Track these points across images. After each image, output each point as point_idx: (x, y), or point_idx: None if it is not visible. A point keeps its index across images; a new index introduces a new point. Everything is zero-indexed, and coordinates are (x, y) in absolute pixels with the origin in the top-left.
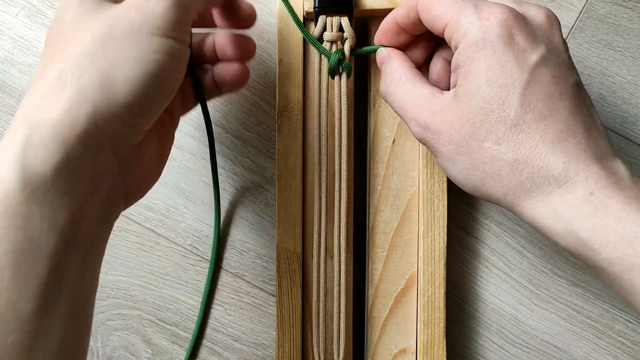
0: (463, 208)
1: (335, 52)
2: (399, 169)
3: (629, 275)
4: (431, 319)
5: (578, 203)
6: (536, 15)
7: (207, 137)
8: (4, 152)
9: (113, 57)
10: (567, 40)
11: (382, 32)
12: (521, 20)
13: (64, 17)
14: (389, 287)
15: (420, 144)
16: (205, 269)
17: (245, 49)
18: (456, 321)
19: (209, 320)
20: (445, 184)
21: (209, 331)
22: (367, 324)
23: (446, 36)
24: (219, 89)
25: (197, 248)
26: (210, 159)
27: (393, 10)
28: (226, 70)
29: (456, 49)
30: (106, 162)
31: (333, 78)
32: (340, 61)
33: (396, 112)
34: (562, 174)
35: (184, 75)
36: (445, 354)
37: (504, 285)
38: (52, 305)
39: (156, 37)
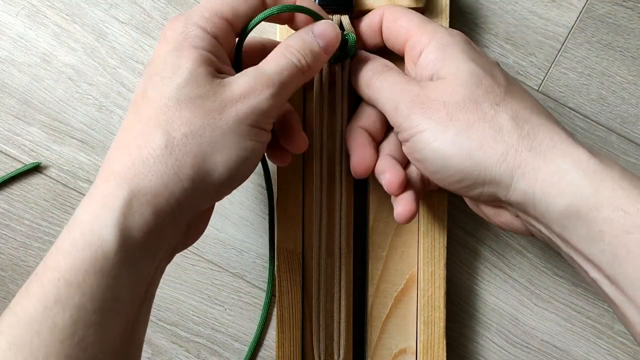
0: (463, 208)
1: (346, 33)
2: None
3: (627, 239)
4: (431, 319)
5: (585, 160)
6: None
7: None
8: (108, 212)
9: (216, 143)
10: (567, 40)
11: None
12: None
13: (174, 81)
14: (389, 287)
15: None
16: (205, 269)
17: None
18: (456, 321)
19: (209, 320)
20: None
21: (209, 331)
22: (367, 324)
23: (409, 46)
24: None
25: (197, 248)
26: (267, 191)
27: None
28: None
29: (421, 52)
30: (181, 227)
31: (334, 63)
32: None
33: (376, 97)
34: (563, 133)
35: None
36: (445, 354)
37: (504, 285)
38: (127, 354)
39: (253, 128)
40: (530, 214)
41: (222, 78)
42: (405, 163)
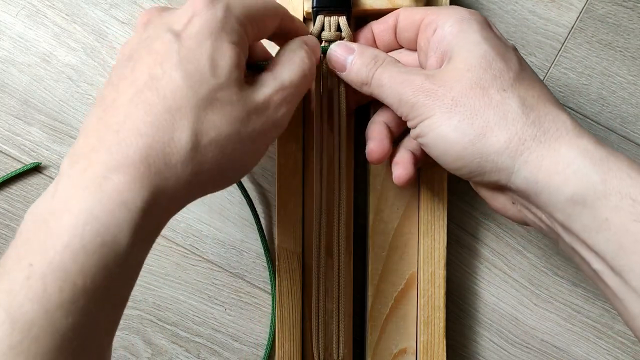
0: (463, 208)
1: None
2: None
3: (634, 228)
4: (431, 319)
5: (591, 148)
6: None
7: None
8: (125, 212)
9: (237, 159)
10: (567, 40)
11: (358, 42)
12: None
13: (212, 79)
14: (389, 287)
15: None
16: (205, 269)
17: None
18: (456, 321)
19: (209, 320)
20: (445, 184)
21: (209, 331)
22: (367, 324)
23: (423, 25)
24: None
25: (197, 248)
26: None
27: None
28: None
29: (434, 32)
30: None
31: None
32: None
33: (379, 92)
34: (569, 122)
35: None
36: (445, 354)
37: (504, 285)
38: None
39: (269, 140)
40: (532, 202)
41: (249, 84)
42: (423, 158)
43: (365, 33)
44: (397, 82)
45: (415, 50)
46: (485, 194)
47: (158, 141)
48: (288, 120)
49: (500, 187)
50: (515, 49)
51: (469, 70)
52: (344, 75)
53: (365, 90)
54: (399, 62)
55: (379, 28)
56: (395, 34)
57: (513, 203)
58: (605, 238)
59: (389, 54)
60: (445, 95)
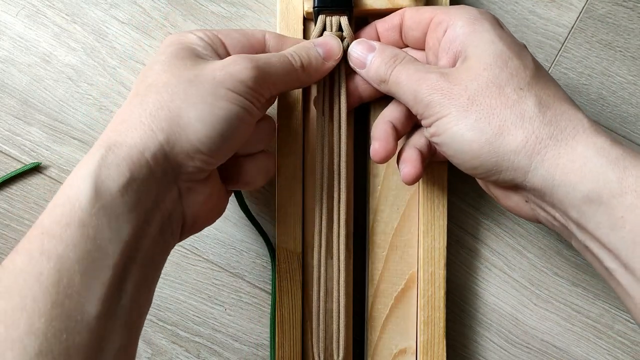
0: (463, 208)
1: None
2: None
3: None
4: (431, 319)
5: (607, 147)
6: None
7: None
8: (84, 167)
9: (191, 99)
10: (567, 40)
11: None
12: None
13: (157, 62)
14: (389, 287)
15: None
16: (205, 269)
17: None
18: (456, 321)
19: (209, 320)
20: (445, 184)
21: (209, 331)
22: (367, 324)
23: (432, 25)
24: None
25: (197, 248)
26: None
27: (374, 23)
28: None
29: (445, 32)
30: (168, 187)
31: None
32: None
33: (396, 90)
34: (585, 120)
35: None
36: (445, 354)
37: (504, 285)
38: (113, 312)
39: (232, 92)
40: (546, 200)
41: (207, 59)
42: (429, 156)
43: (369, 32)
44: (413, 80)
45: (422, 49)
46: (498, 193)
47: (118, 115)
48: (257, 83)
49: (515, 186)
50: (526, 48)
51: (485, 69)
52: (363, 73)
53: (383, 88)
54: (417, 60)
55: (383, 27)
56: (401, 33)
57: (526, 201)
58: (619, 236)
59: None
60: (461, 94)
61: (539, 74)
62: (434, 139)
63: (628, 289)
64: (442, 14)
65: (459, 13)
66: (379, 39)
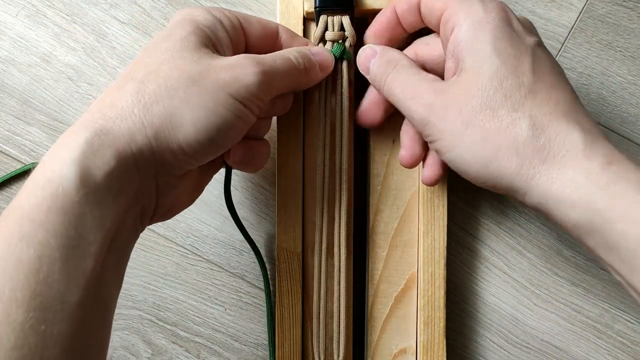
0: (463, 208)
1: (338, 44)
2: (399, 169)
3: None
4: (431, 319)
5: (598, 171)
6: (520, 17)
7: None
8: (67, 150)
9: (191, 100)
10: (567, 40)
11: (379, 23)
12: (513, 13)
13: (163, 44)
14: (389, 287)
15: None
16: (205, 269)
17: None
18: (456, 321)
19: (209, 320)
20: (445, 184)
21: (209, 331)
22: (367, 324)
23: (443, 20)
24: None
25: (197, 248)
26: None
27: (393, 2)
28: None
29: (452, 32)
30: (148, 181)
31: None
32: (342, 53)
33: (393, 101)
34: (579, 142)
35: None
36: (445, 354)
37: (504, 285)
38: (93, 300)
39: (233, 99)
40: (549, 218)
41: (213, 52)
42: None
43: (387, 13)
44: (407, 96)
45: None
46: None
47: (108, 96)
48: (262, 88)
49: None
50: (536, 47)
51: (480, 89)
52: (369, 78)
53: (382, 92)
54: (412, 67)
55: (402, 8)
56: (420, 14)
57: None
58: (618, 259)
59: (422, 39)
60: (456, 118)
61: (537, 88)
62: (440, 156)
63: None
64: (451, 7)
65: (466, 11)
66: (399, 21)
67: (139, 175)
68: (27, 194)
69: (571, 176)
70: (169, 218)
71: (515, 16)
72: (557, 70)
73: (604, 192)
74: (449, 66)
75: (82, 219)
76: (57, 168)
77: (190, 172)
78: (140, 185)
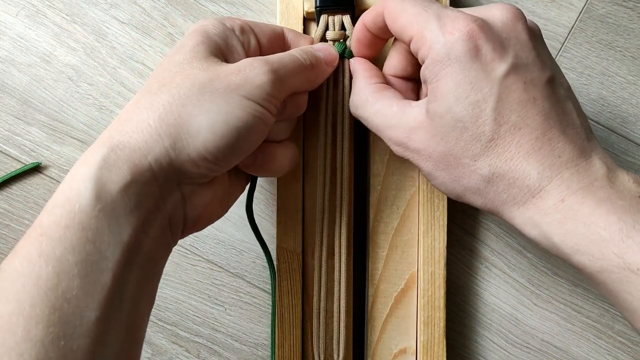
0: (463, 208)
1: (340, 44)
2: (399, 169)
3: (602, 277)
4: (431, 319)
5: (550, 211)
6: (500, 16)
7: None
8: (85, 167)
9: (204, 105)
10: (567, 40)
11: (356, 38)
12: (486, 29)
13: (175, 57)
14: (389, 287)
15: None
16: (205, 269)
17: None
18: (456, 321)
19: (209, 320)
20: None
21: (209, 331)
22: (367, 324)
23: (412, 50)
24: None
25: (197, 248)
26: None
27: (361, 16)
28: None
29: (423, 62)
30: (170, 191)
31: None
32: (343, 52)
33: (370, 127)
34: (536, 183)
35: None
36: (445, 354)
37: (504, 285)
38: (113, 315)
39: (247, 100)
40: None
41: (222, 60)
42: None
43: (359, 29)
44: (384, 126)
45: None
46: None
47: (125, 112)
48: (274, 87)
49: None
50: (504, 77)
51: (443, 139)
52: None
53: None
54: (387, 94)
55: (370, 26)
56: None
57: None
58: (588, 282)
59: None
60: (428, 159)
61: (498, 135)
62: None
63: None
64: (415, 39)
65: (428, 46)
66: (373, 35)
67: (159, 186)
68: (47, 212)
69: (529, 216)
70: (201, 228)
71: (490, 30)
72: (530, 96)
73: (557, 229)
74: (424, 90)
75: (100, 234)
76: (74, 186)
77: (217, 180)
78: (161, 196)
